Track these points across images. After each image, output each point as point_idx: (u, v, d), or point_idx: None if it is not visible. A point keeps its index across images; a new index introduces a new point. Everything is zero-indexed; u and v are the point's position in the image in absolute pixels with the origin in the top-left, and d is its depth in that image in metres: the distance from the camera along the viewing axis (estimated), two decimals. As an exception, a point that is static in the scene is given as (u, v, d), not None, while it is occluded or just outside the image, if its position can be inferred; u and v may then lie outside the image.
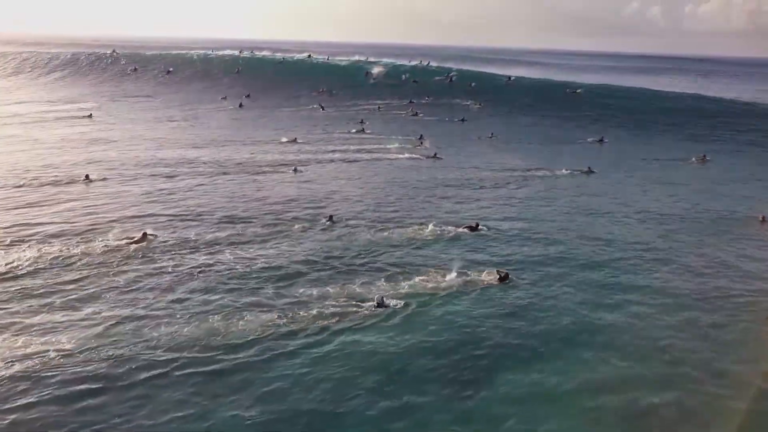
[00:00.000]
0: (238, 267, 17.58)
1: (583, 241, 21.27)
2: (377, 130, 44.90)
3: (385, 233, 20.91)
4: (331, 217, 22.08)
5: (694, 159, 37.90)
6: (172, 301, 15.26)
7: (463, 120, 50.33)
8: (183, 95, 62.92)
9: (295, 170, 30.16)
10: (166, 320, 14.20)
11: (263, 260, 18.17)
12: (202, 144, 37.63)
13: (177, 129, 43.64)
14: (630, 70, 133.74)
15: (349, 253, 19.09)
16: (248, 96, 58.83)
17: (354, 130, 44.33)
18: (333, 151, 36.54)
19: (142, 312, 14.57)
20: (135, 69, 72.31)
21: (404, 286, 16.66)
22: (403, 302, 15.56)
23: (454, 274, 17.26)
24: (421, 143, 38.99)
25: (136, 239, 18.85)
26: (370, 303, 15.39)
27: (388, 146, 38.49)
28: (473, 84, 61.54)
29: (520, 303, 16.12)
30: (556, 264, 19.02)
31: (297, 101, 59.01)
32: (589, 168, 32.75)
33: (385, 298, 15.49)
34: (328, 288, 16.35)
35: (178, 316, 14.45)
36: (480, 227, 21.66)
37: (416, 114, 52.94)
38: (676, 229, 23.37)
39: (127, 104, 56.83)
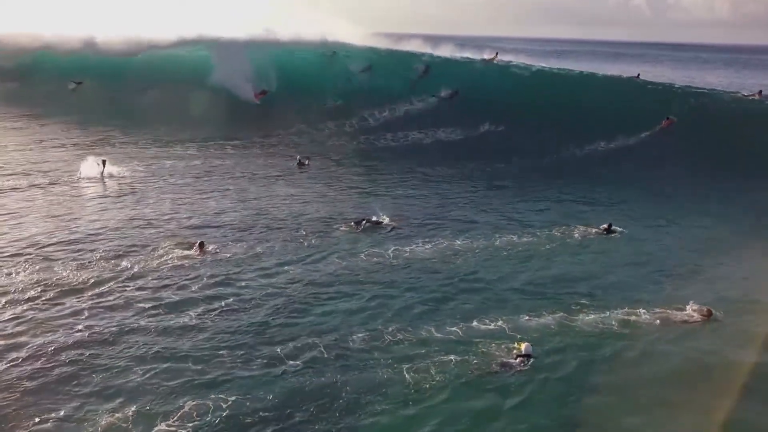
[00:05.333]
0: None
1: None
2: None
3: (494, 242, 14.73)
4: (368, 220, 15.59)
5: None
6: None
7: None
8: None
9: (300, 163, 22.78)
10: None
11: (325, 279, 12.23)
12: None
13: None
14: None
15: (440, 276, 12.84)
16: None
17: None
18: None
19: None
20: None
21: (545, 325, 10.60)
22: (554, 352, 9.54)
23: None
24: None
25: (191, 251, 13.44)
26: (497, 355, 9.43)
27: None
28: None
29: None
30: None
31: None
32: None
33: (527, 346, 9.48)
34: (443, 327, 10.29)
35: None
36: (613, 228, 15.56)
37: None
38: None
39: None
